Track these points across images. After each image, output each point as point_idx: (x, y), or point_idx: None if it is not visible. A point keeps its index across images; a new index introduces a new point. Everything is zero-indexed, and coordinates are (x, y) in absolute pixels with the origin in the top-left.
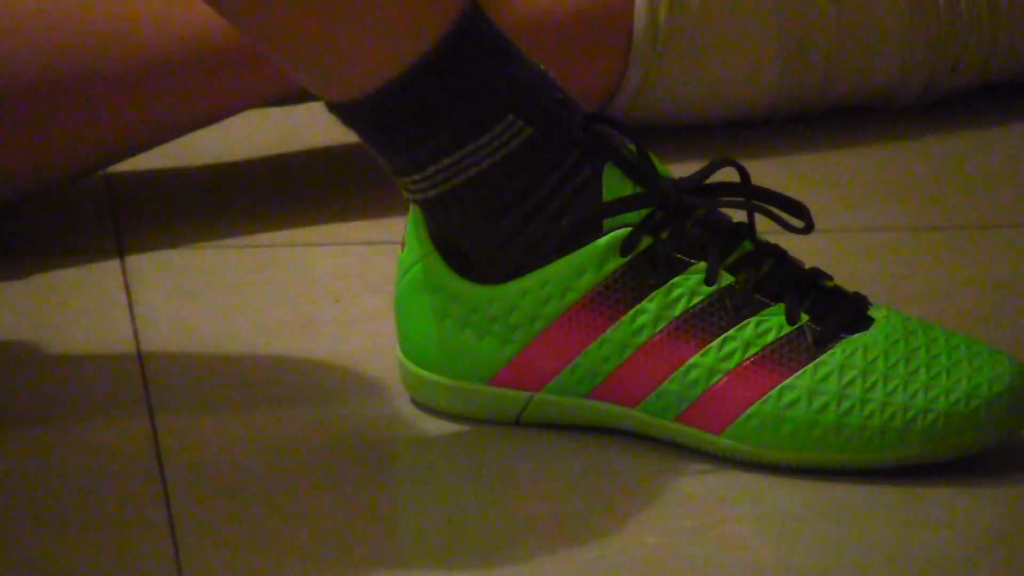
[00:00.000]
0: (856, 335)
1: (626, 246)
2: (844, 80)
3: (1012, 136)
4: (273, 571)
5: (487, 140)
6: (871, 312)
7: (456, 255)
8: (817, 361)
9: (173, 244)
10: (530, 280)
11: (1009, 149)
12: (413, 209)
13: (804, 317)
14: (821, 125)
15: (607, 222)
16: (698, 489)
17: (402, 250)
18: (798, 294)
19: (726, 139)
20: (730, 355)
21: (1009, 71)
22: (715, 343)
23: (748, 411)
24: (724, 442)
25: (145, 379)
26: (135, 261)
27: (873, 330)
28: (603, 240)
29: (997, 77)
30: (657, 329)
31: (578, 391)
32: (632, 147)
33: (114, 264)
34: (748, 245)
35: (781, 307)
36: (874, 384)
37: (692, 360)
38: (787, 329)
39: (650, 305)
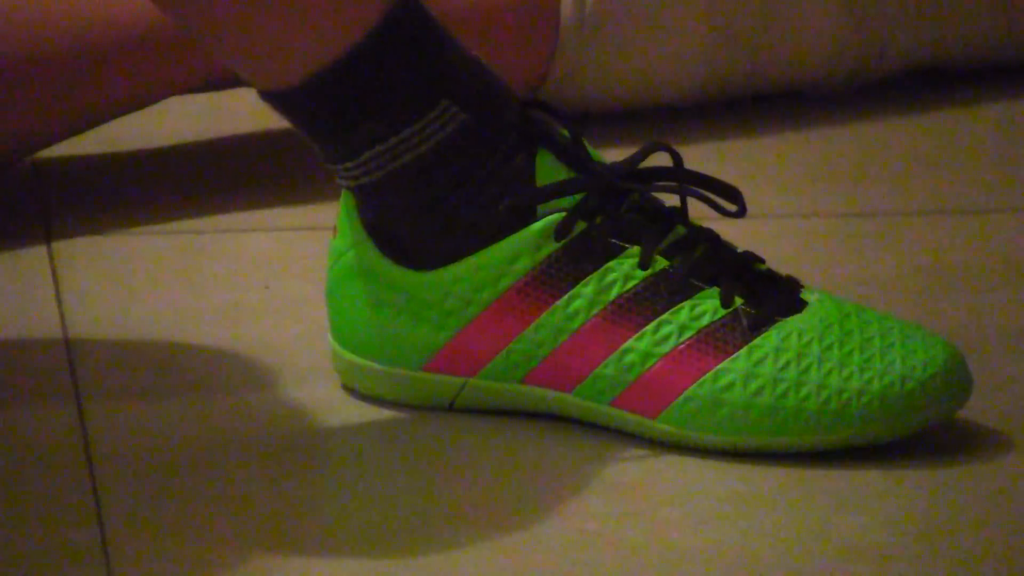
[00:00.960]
0: (790, 318)
1: (560, 231)
2: (771, 66)
3: (940, 122)
4: (202, 558)
5: (421, 126)
6: (804, 295)
7: (390, 241)
8: (752, 344)
9: (101, 230)
10: (464, 266)
11: (937, 135)
12: (345, 195)
13: (738, 301)
14: (750, 111)
15: (541, 207)
16: (628, 475)
17: (334, 236)
18: (732, 278)
19: (655, 125)
20: (665, 339)
21: (935, 58)
22: (650, 327)
23: (684, 395)
24: (660, 427)
25: (72, 366)
26: (62, 247)
27: (807, 313)
28: (537, 225)
29: (924, 64)
30: (592, 313)
31: (513, 376)
32: (565, 132)
33: (41, 250)
34: (681, 229)
35: (716, 291)
36: (809, 367)
37: (627, 344)
38: (721, 313)
39: (585, 290)
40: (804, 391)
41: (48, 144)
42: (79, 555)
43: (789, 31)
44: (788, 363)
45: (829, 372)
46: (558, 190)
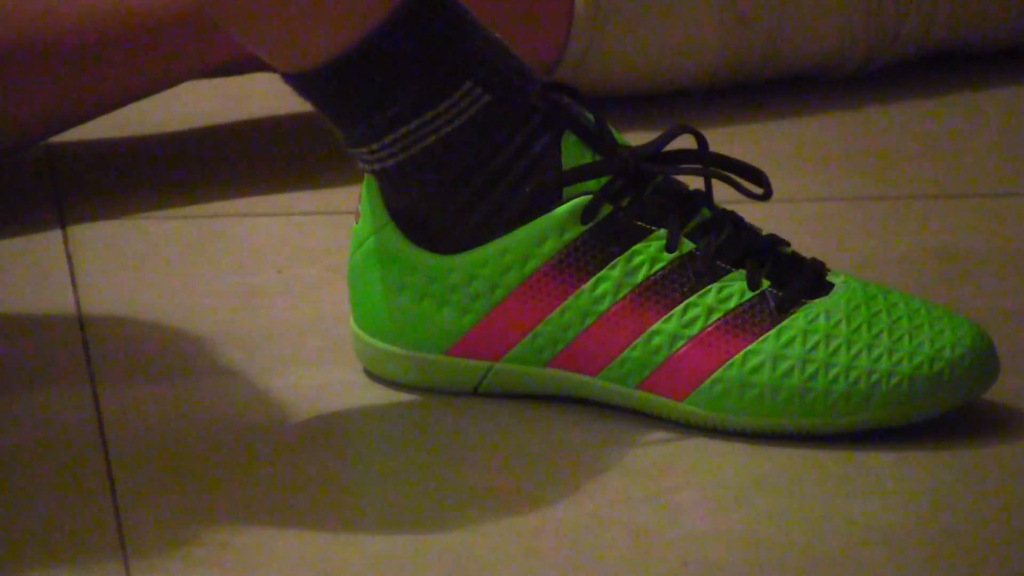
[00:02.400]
0: (817, 300)
1: (587, 214)
2: (784, 50)
3: (953, 106)
4: (216, 540)
5: (445, 108)
6: (830, 277)
7: (413, 225)
8: (780, 326)
9: (115, 215)
10: (490, 249)
11: (949, 119)
12: (368, 180)
13: (765, 283)
14: (762, 95)
15: (567, 190)
16: (645, 459)
17: (356, 222)
18: (758, 260)
19: (668, 109)
20: (693, 321)
21: (949, 41)
22: (677, 310)
23: (712, 377)
24: (687, 408)
25: (87, 349)
26: (77, 231)
27: (834, 295)
28: (564, 208)
29: (937, 47)
30: (619, 296)
31: (539, 360)
32: (590, 116)
33: (56, 235)
34: (707, 212)
35: (742, 273)
36: (838, 348)
37: (654, 327)
38: (749, 295)
39: (612, 272)
40: (833, 372)
41: (63, 129)
42: (95, 537)
43: (803, 15)
44: (817, 344)
45: (858, 353)
46: (584, 173)
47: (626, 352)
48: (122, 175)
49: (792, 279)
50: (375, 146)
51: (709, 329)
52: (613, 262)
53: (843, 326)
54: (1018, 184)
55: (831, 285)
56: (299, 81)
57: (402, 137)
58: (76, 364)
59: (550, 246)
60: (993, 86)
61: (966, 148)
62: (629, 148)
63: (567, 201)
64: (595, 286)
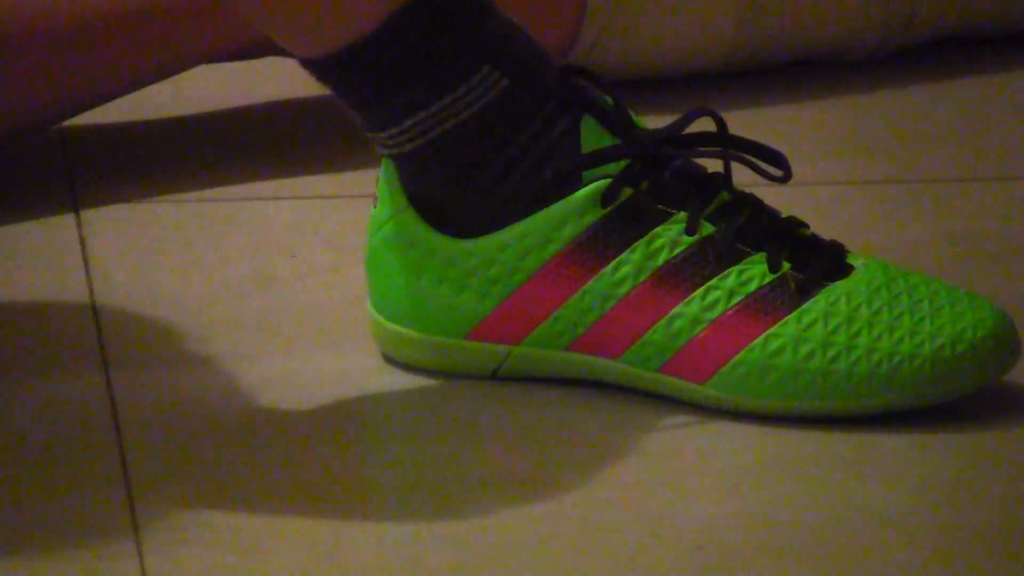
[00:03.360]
0: (838, 282)
1: (607, 197)
2: (799, 34)
3: (966, 90)
4: (231, 525)
5: (464, 92)
6: (849, 259)
7: (432, 210)
8: (801, 309)
9: (128, 198)
10: (510, 233)
11: (965, 102)
12: (386, 165)
13: (786, 265)
14: (777, 79)
15: (586, 174)
16: (656, 444)
17: (374, 206)
18: (778, 243)
19: (682, 93)
20: (713, 304)
21: (963, 25)
22: (698, 293)
23: (734, 360)
24: (708, 392)
25: (100, 333)
26: (90, 215)
27: (854, 277)
28: (584, 191)
29: (952, 31)
30: (639, 280)
31: (559, 344)
32: (609, 99)
33: (69, 218)
34: (726, 195)
35: (762, 256)
36: (859, 331)
37: (675, 310)
38: (770, 277)
39: (632, 256)
40: (855, 355)
41: (77, 112)
42: (108, 522)
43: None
44: (838, 327)
45: (880, 336)
46: (604, 156)
47: (647, 336)
48: (136, 159)
49: (812, 261)
50: (394, 130)
51: (730, 312)
52: (633, 245)
53: (864, 308)
54: None
55: (851, 267)
56: (316, 66)
57: (420, 121)
58: (89, 349)
59: (570, 230)
60: (1008, 70)
61: (981, 132)
62: (648, 131)
63: (586, 185)
64: (615, 269)
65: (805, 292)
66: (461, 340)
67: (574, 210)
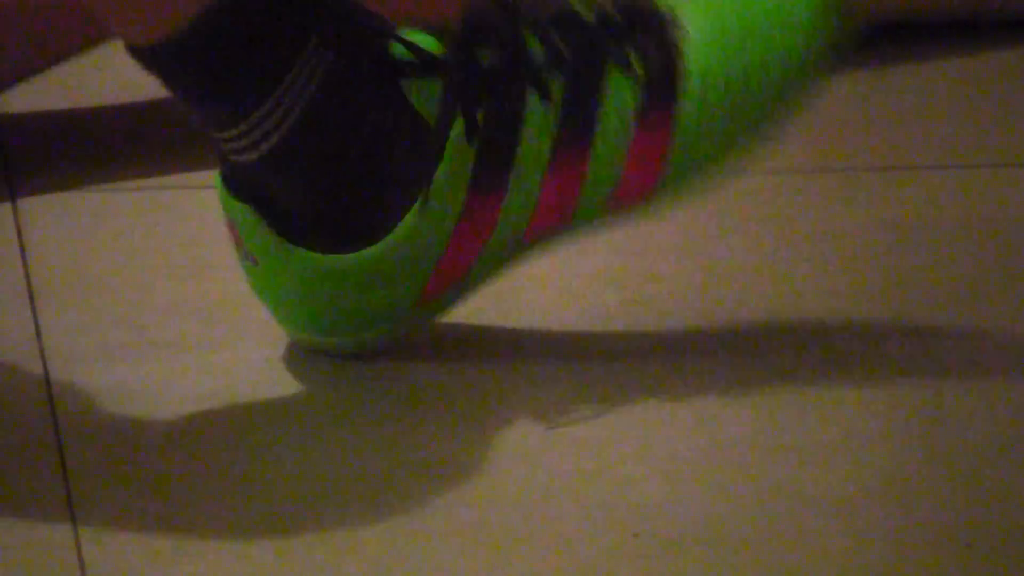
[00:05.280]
0: (683, 41)
1: (467, 136)
2: None
3: (909, 78)
4: (166, 515)
5: (294, 76)
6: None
7: (314, 230)
8: (681, 91)
9: (65, 186)
10: (408, 223)
11: (897, 91)
12: (240, 207)
13: (639, 69)
14: None
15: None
16: (591, 432)
17: (250, 262)
18: (598, 54)
19: None
20: (616, 146)
21: (899, 13)
22: (596, 147)
23: (668, 162)
24: (668, 189)
25: (37, 323)
26: (27, 204)
27: (690, 29)
28: (450, 143)
29: (887, 19)
30: (543, 172)
31: (506, 257)
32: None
33: (5, 207)
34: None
35: (617, 73)
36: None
37: (587, 170)
38: (636, 91)
39: (525, 162)
40: (755, 70)
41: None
42: (46, 515)
43: None
44: (720, 70)
45: (748, 64)
46: (445, 119)
47: (580, 200)
48: (72, 146)
49: (648, 49)
50: (244, 126)
51: (633, 138)
52: (517, 154)
53: (721, 42)
54: (967, 156)
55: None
56: (147, 56)
57: (269, 113)
58: (26, 338)
59: (459, 186)
60: (940, 58)
61: (913, 120)
62: (452, 46)
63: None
64: (519, 179)
65: (670, 84)
66: (414, 309)
67: (453, 167)
